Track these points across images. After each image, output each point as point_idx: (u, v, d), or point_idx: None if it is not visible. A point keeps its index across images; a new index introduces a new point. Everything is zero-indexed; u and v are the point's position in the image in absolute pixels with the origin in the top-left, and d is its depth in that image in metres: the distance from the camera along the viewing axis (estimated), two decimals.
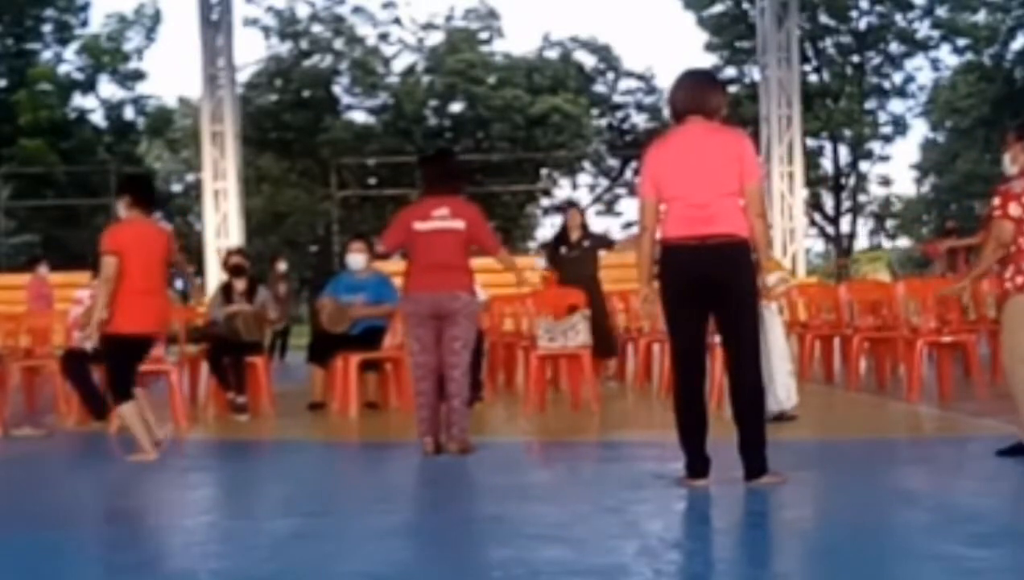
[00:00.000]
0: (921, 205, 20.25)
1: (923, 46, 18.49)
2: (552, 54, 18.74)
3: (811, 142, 16.68)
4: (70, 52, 17.14)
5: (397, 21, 18.18)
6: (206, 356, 4.45)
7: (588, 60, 18.90)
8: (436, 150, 3.56)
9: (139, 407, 3.19)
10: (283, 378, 5.55)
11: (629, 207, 20.28)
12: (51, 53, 17.10)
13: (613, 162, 19.48)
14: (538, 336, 4.11)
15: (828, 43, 18.49)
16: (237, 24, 11.21)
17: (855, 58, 18.53)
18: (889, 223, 20.59)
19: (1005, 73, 17.35)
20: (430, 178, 3.25)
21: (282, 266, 6.85)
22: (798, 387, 3.83)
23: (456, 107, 18.03)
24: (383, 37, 18.19)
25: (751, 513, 2.34)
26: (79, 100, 17.07)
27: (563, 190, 19.28)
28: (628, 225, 19.69)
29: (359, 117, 18.25)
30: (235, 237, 9.83)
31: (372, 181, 17.38)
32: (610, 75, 19.28)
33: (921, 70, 19.15)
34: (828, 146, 18.49)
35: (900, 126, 18.98)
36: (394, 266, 5.25)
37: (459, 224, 3.18)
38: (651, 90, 19.32)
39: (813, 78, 17.78)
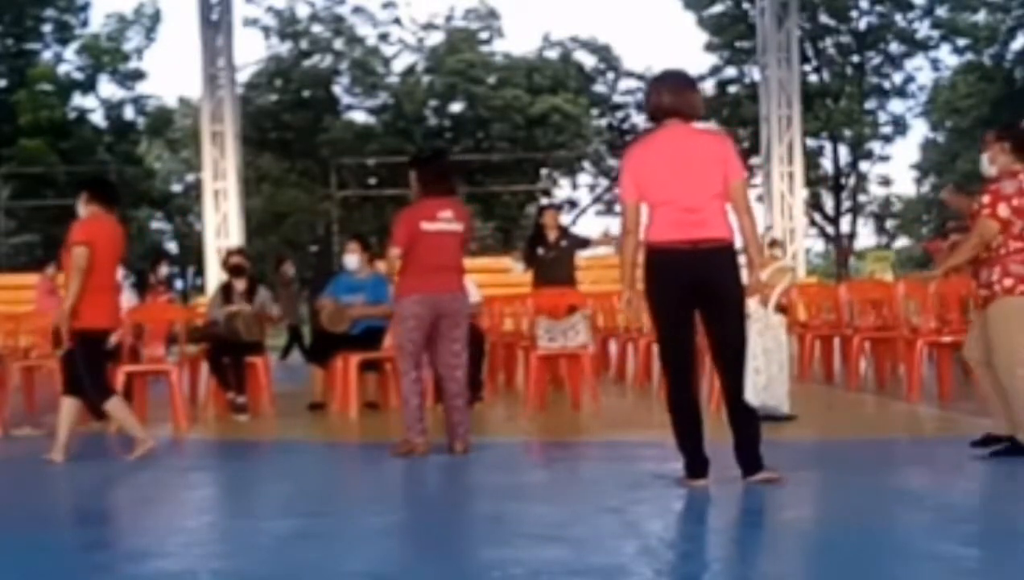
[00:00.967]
0: (921, 205, 20.24)
1: (923, 46, 18.49)
2: (552, 54, 18.75)
3: (811, 142, 16.68)
4: (70, 52, 17.18)
5: (397, 21, 18.21)
6: (206, 356, 4.44)
7: (588, 60, 18.94)
8: (432, 150, 3.53)
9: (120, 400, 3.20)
10: (283, 378, 5.55)
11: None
12: (51, 53, 17.11)
13: (613, 162, 19.44)
14: (538, 336, 4.11)
15: (828, 43, 18.49)
16: (237, 24, 11.25)
17: (855, 58, 18.52)
18: (889, 223, 20.59)
19: (1005, 73, 17.36)
20: (430, 179, 3.23)
21: (290, 269, 6.84)
22: (797, 388, 3.84)
23: (456, 107, 18.03)
24: (383, 37, 18.20)
25: (750, 513, 2.34)
26: (79, 100, 17.11)
27: (563, 190, 19.31)
28: None
29: (359, 117, 18.26)
30: (235, 237, 9.83)
31: (372, 181, 17.38)
32: (610, 75, 19.28)
33: (921, 70, 19.11)
34: (828, 146, 18.48)
35: (900, 126, 18.96)
36: None
37: (459, 226, 3.20)
38: None
39: (813, 78, 17.78)
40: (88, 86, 17.15)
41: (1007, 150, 2.74)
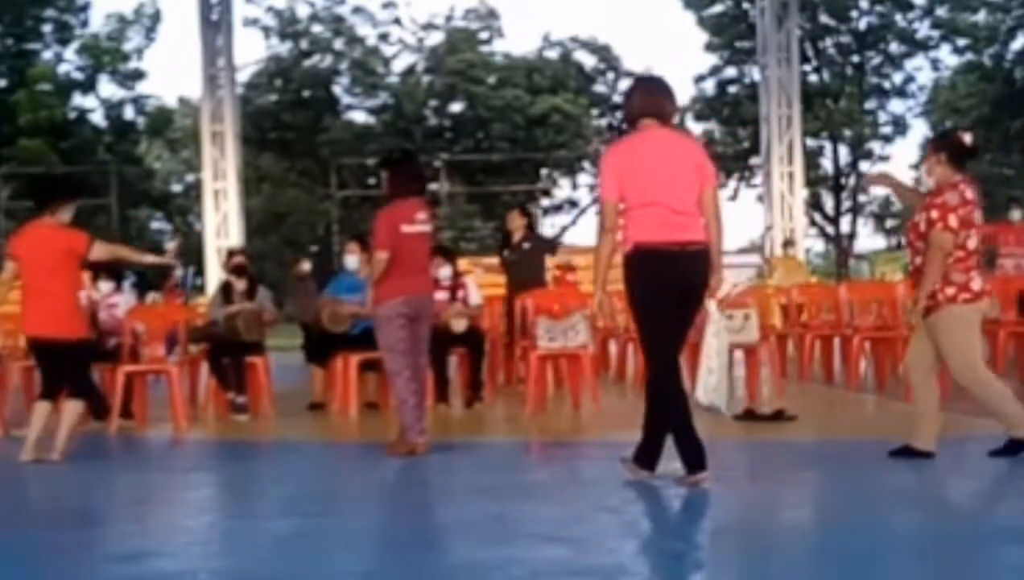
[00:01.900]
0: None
1: (923, 46, 18.49)
2: (552, 54, 18.76)
3: (811, 142, 16.68)
4: (70, 52, 17.15)
5: (397, 21, 18.20)
6: (206, 356, 4.44)
7: (588, 60, 18.93)
8: (400, 152, 3.53)
9: (44, 412, 3.20)
10: (283, 378, 5.55)
11: None
12: (51, 53, 17.09)
13: None
14: (538, 336, 4.11)
15: (828, 43, 18.48)
16: (237, 24, 11.25)
17: (855, 58, 18.51)
18: (889, 223, 20.60)
19: (1005, 73, 17.33)
20: (404, 180, 3.25)
21: (306, 266, 6.81)
22: (797, 388, 3.84)
23: (456, 107, 18.03)
24: (383, 37, 18.19)
25: (749, 513, 2.34)
26: (79, 100, 17.09)
27: (563, 190, 19.31)
28: None
29: (359, 117, 18.27)
30: (235, 237, 9.83)
31: (372, 181, 17.29)
32: (610, 75, 19.27)
33: (921, 70, 19.11)
34: (828, 146, 18.48)
35: (900, 126, 18.93)
36: None
37: (430, 228, 3.26)
38: None
39: (813, 78, 17.78)
40: (88, 86, 17.14)
41: (943, 161, 2.75)
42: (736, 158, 19.09)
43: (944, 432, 3.40)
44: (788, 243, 8.75)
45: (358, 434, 3.96)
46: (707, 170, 2.49)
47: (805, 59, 16.00)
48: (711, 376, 2.50)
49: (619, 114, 19.45)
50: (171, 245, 6.05)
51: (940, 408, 2.79)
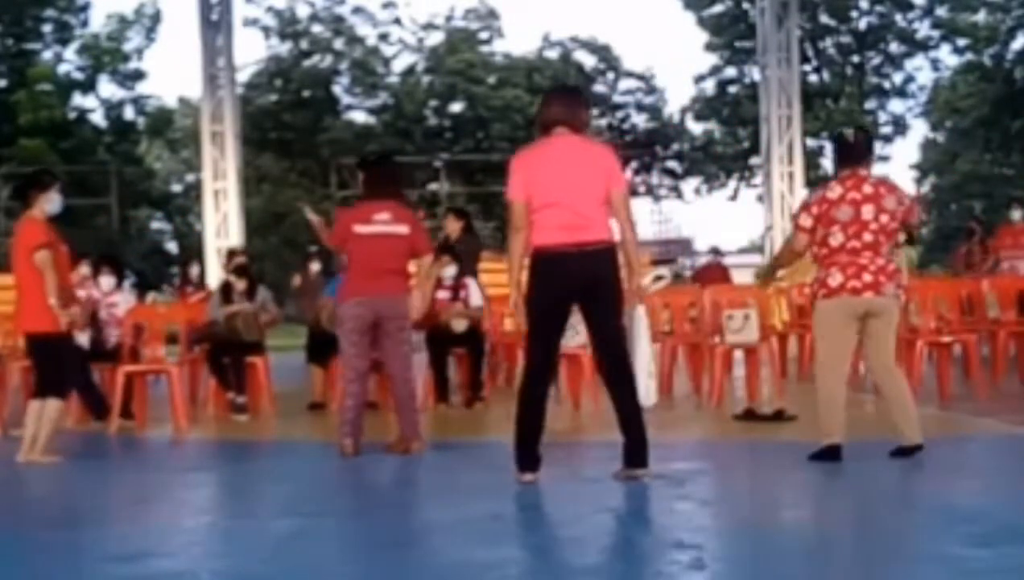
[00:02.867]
0: (921, 205, 20.23)
1: (923, 46, 18.49)
2: (552, 54, 18.78)
3: (811, 142, 16.69)
4: (70, 52, 17.17)
5: (397, 21, 18.22)
6: (206, 356, 4.44)
7: (588, 60, 18.96)
8: (378, 155, 3.57)
9: (36, 411, 3.21)
10: (283, 378, 5.55)
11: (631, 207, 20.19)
12: (51, 53, 17.09)
13: None
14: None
15: (828, 43, 18.49)
16: (237, 24, 11.22)
17: (855, 58, 18.53)
18: None
19: (1005, 73, 17.31)
20: (371, 182, 3.24)
21: (315, 267, 6.85)
22: (797, 388, 3.84)
23: (456, 107, 18.04)
24: (383, 37, 18.20)
25: (751, 513, 2.34)
26: (79, 100, 17.10)
27: None
28: None
29: (359, 117, 18.28)
30: (235, 237, 9.82)
31: None
32: (610, 75, 19.29)
33: (921, 70, 19.26)
34: (828, 146, 18.47)
35: (900, 126, 18.95)
36: None
37: (403, 229, 3.19)
38: (651, 90, 19.33)
39: (813, 78, 17.80)
40: (88, 86, 17.14)
41: (834, 160, 2.84)
42: (736, 158, 19.10)
43: (944, 432, 3.42)
44: None
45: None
46: (615, 174, 2.52)
47: (805, 59, 16.04)
48: (651, 379, 2.58)
49: (619, 114, 19.55)
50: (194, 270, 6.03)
51: (915, 398, 2.78)
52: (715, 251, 8.48)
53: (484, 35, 18.51)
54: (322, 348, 4.57)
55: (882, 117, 18.76)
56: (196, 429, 4.06)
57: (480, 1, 18.33)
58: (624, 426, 2.50)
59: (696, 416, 4.03)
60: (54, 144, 15.60)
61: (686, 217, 41.42)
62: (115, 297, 4.48)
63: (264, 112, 17.04)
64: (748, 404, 3.93)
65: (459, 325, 4.45)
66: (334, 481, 2.99)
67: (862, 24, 18.34)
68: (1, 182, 15.27)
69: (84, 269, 4.50)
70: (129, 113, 17.57)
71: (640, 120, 19.50)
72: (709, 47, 18.49)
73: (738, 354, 4.40)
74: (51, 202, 3.27)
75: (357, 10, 17.93)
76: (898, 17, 18.29)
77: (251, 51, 25.37)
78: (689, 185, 19.39)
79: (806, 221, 2.75)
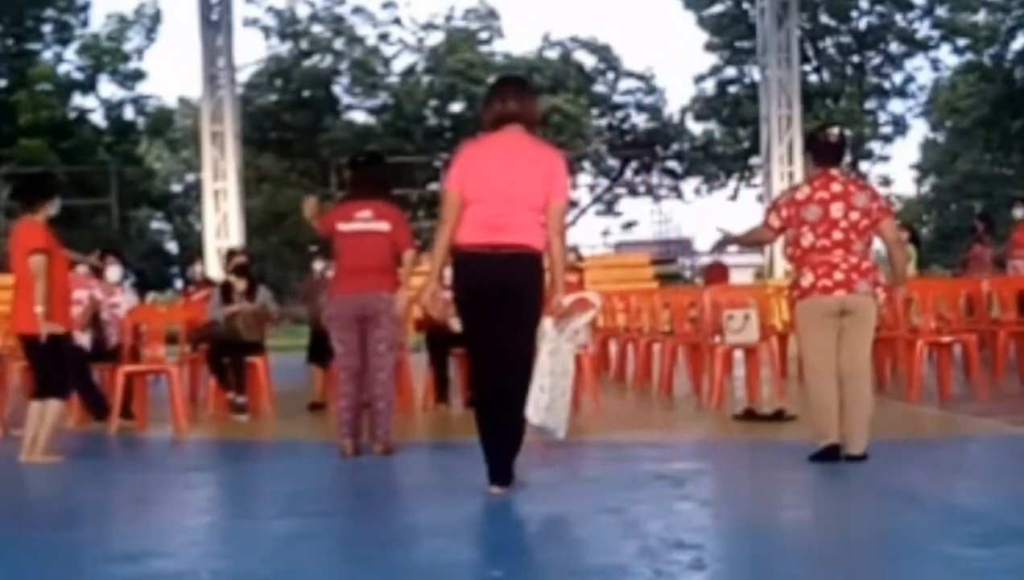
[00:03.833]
0: (921, 205, 20.25)
1: (923, 46, 18.50)
2: (552, 54, 18.77)
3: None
4: (70, 52, 17.17)
5: (397, 21, 18.25)
6: (206, 356, 4.44)
7: (588, 60, 18.94)
8: (368, 154, 3.50)
9: (37, 412, 3.23)
10: (283, 378, 5.56)
11: (629, 207, 20.14)
12: (51, 53, 17.09)
13: (613, 162, 19.47)
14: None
15: (828, 43, 18.50)
16: (237, 24, 11.23)
17: (855, 58, 18.53)
18: None
19: (1005, 73, 17.29)
20: (357, 181, 3.25)
21: (319, 266, 6.78)
22: (797, 388, 3.83)
23: (456, 107, 18.04)
24: (383, 37, 18.23)
25: (751, 513, 2.34)
26: (79, 100, 17.10)
27: None
28: (628, 225, 19.71)
29: (359, 117, 18.30)
30: (235, 237, 9.82)
31: None
32: (610, 75, 19.29)
33: (921, 70, 19.20)
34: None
35: (900, 126, 18.95)
36: None
37: (383, 226, 3.18)
38: (651, 90, 19.33)
39: (813, 78, 17.81)
40: (88, 86, 17.14)
41: (810, 159, 2.88)
42: (736, 158, 19.09)
43: (945, 432, 3.42)
44: None
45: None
46: (558, 183, 2.37)
47: (805, 59, 16.04)
48: (543, 395, 2.34)
49: (619, 114, 19.54)
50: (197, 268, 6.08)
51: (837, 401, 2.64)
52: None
53: (484, 35, 18.53)
54: (322, 348, 4.57)
55: (882, 117, 18.79)
56: (196, 429, 4.06)
57: (480, 1, 18.37)
58: (497, 440, 2.33)
59: (696, 416, 4.03)
60: (54, 144, 15.60)
61: (686, 217, 41.45)
62: (117, 297, 4.48)
63: (264, 112, 17.06)
64: (748, 404, 3.94)
65: (458, 325, 4.44)
66: (333, 481, 2.99)
67: (862, 24, 18.34)
68: (1, 182, 15.28)
69: (81, 269, 4.49)
70: (129, 113, 17.61)
71: (640, 120, 19.49)
72: (709, 47, 18.50)
73: (738, 354, 4.40)
74: (50, 210, 3.31)
75: (357, 10, 17.97)
76: (898, 17, 18.29)
77: (251, 51, 25.38)
78: (689, 185, 19.40)
79: (774, 221, 2.76)
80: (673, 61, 35.35)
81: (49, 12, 16.78)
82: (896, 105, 18.69)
